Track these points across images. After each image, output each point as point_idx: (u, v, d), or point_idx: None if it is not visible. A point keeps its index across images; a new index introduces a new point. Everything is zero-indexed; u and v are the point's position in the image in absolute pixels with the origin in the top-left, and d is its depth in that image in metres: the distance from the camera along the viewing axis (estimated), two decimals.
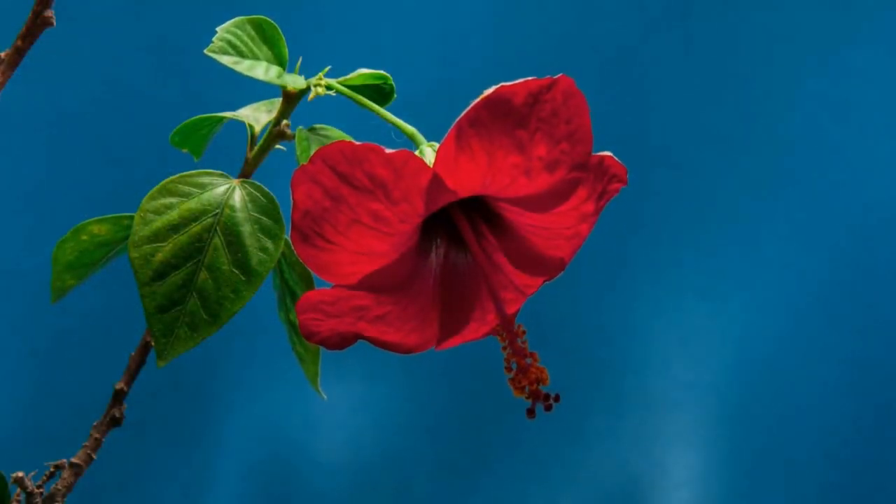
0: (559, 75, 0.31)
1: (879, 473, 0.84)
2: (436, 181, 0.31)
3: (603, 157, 0.34)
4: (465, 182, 0.32)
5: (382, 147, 0.30)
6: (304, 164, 0.30)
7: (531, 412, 0.35)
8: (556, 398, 0.35)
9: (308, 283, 0.44)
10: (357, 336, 0.35)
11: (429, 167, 0.31)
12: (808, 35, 0.84)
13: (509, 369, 0.35)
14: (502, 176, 0.32)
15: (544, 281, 0.38)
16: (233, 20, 0.39)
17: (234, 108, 0.45)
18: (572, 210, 0.35)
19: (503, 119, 0.30)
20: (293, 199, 0.30)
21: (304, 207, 0.30)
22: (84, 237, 0.44)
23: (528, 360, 0.35)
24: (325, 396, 0.47)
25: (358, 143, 0.30)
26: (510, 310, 0.38)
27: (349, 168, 0.30)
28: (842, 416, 0.84)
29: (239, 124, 0.44)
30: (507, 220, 0.36)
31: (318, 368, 0.46)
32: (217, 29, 0.38)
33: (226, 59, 0.38)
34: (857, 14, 0.84)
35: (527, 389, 0.34)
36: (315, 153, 0.30)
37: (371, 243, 0.32)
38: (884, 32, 0.84)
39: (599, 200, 0.35)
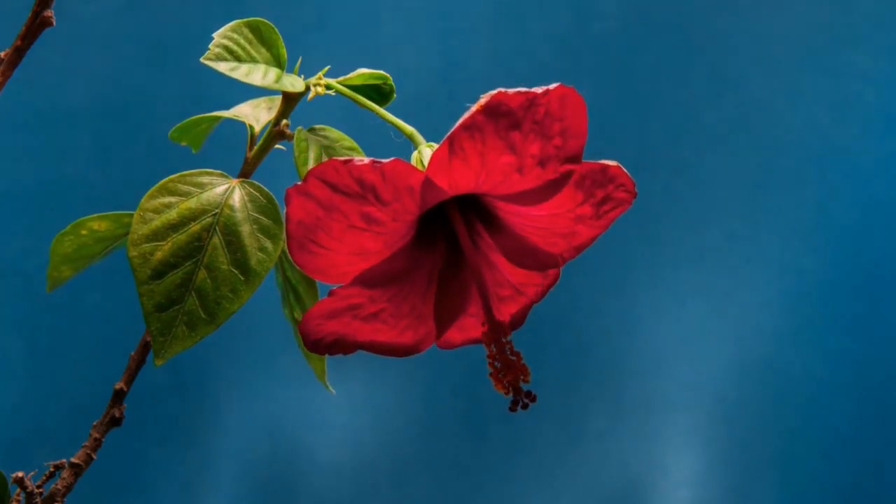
0: (557, 84, 0.31)
1: (879, 473, 0.84)
2: (428, 183, 0.32)
3: (608, 165, 0.35)
4: (459, 182, 0.33)
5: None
6: (296, 183, 0.31)
7: (515, 405, 0.35)
8: (533, 398, 0.35)
9: (310, 282, 0.44)
10: (356, 343, 0.36)
11: (418, 169, 0.32)
12: (807, 36, 0.84)
13: (493, 365, 0.36)
14: (496, 174, 0.33)
15: (549, 285, 0.38)
16: (229, 24, 0.39)
17: (234, 105, 0.45)
18: (568, 212, 0.35)
19: (498, 123, 0.31)
20: (286, 211, 0.31)
21: (297, 218, 0.31)
22: (84, 232, 0.44)
23: (513, 358, 0.35)
24: (334, 391, 0.47)
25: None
26: (509, 308, 0.38)
27: (338, 178, 0.31)
28: (841, 416, 0.84)
29: (238, 123, 0.44)
30: (504, 219, 0.37)
31: (325, 364, 0.46)
32: (213, 35, 0.38)
33: (222, 66, 0.38)
34: (857, 15, 0.84)
35: (508, 386, 0.35)
36: (307, 172, 0.31)
37: (365, 244, 0.33)
38: (884, 33, 0.84)
39: (602, 206, 0.35)
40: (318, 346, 0.35)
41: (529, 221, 0.36)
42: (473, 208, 0.36)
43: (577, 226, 0.36)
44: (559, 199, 0.35)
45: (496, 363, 0.36)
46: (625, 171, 0.35)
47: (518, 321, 0.39)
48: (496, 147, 0.31)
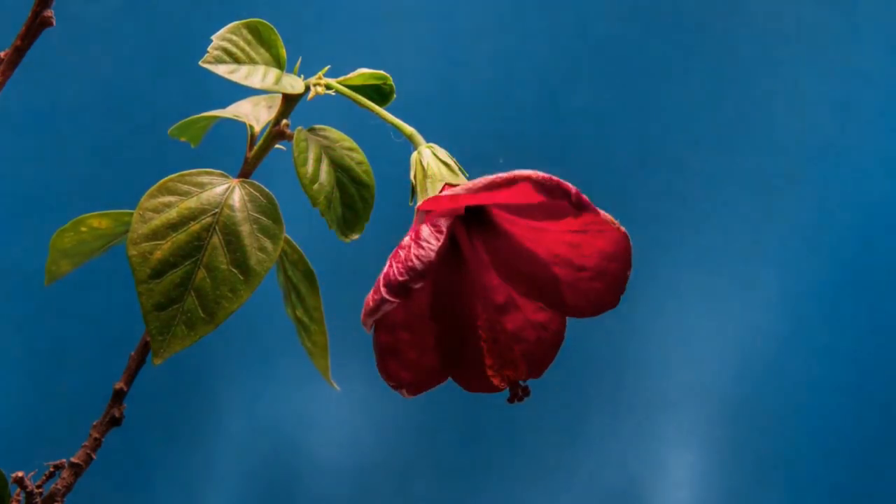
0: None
1: (880, 473, 0.84)
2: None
3: (619, 235, 0.35)
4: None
5: None
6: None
7: (513, 398, 0.37)
8: (528, 392, 0.37)
9: (311, 282, 0.44)
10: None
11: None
12: (807, 36, 0.84)
13: (490, 359, 0.37)
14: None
15: (553, 332, 0.39)
16: (228, 26, 0.39)
17: (234, 102, 0.45)
18: (562, 233, 0.35)
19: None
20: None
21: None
22: (84, 229, 0.44)
23: (510, 354, 0.37)
24: (338, 388, 0.47)
25: None
26: (506, 322, 0.38)
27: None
28: (842, 416, 0.84)
29: (239, 123, 0.44)
30: (501, 226, 0.37)
31: (328, 362, 0.46)
32: (212, 37, 0.38)
33: (221, 69, 0.38)
34: (858, 14, 0.84)
35: (505, 380, 0.37)
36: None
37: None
38: (883, 33, 0.84)
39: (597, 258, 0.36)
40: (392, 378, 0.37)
41: (526, 233, 0.37)
42: (474, 217, 0.37)
43: (571, 252, 0.36)
44: (561, 223, 0.35)
45: (495, 358, 0.37)
46: (629, 254, 0.35)
47: (535, 369, 0.40)
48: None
